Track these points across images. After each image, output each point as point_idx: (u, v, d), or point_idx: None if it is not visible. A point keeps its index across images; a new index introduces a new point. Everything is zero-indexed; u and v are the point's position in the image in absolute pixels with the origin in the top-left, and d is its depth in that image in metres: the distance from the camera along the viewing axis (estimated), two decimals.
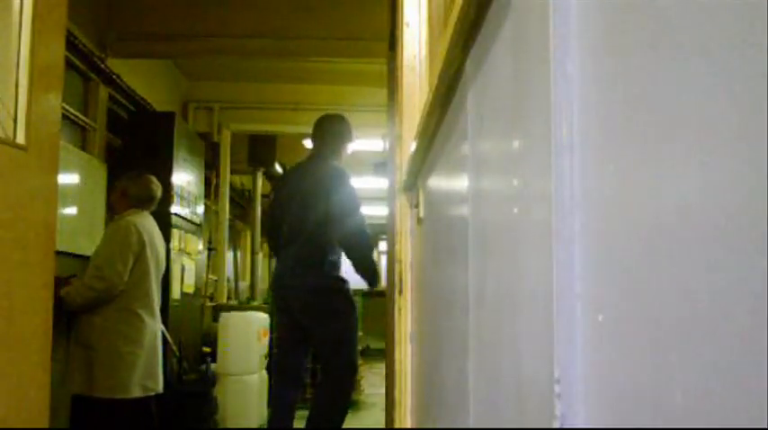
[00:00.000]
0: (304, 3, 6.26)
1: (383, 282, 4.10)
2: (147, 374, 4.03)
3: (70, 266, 4.51)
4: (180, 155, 6.23)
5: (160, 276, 4.27)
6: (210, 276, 8.48)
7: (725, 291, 0.39)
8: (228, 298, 9.16)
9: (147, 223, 4.14)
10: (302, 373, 4.28)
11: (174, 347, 5.15)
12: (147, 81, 6.91)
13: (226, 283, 8.95)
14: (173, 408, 5.06)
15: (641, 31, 0.52)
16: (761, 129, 0.36)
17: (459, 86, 1.33)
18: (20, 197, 2.47)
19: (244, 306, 7.86)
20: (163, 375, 4.22)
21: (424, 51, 2.40)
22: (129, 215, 4.06)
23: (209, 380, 5.57)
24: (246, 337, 6.09)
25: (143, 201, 4.14)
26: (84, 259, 4.44)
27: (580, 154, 0.63)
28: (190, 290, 6.37)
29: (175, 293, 5.93)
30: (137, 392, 3.97)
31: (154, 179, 4.28)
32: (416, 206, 2.22)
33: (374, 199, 10.07)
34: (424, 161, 1.99)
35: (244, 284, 12.18)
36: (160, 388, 4.18)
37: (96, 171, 5.40)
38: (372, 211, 8.37)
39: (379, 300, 4.50)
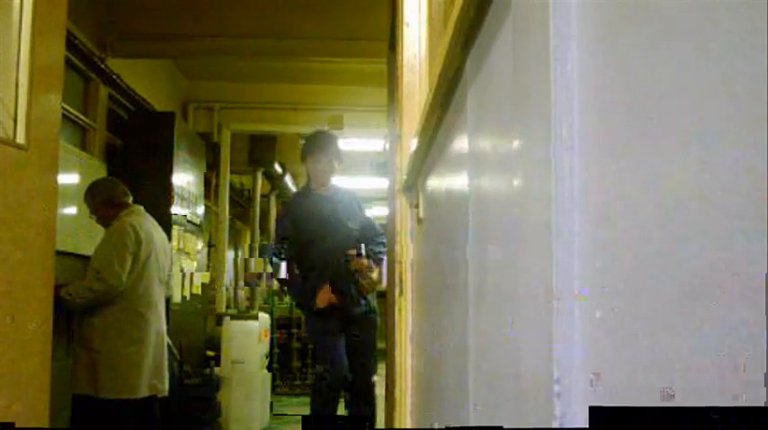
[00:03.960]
0: (304, 3, 6.25)
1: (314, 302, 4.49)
2: (154, 373, 4.03)
3: (70, 266, 4.50)
4: (180, 155, 6.23)
5: (164, 274, 4.26)
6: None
7: (725, 291, 0.39)
8: (228, 307, 8.91)
9: (144, 222, 4.13)
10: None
11: (175, 351, 5.13)
12: (147, 81, 6.90)
13: (224, 292, 8.64)
14: (176, 412, 5.04)
15: (641, 31, 0.52)
16: (761, 129, 0.36)
17: (459, 86, 1.33)
18: (20, 197, 2.47)
19: (243, 315, 7.61)
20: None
21: (424, 51, 2.40)
22: (125, 216, 4.06)
23: (213, 384, 5.56)
24: (249, 339, 6.12)
25: (118, 198, 4.12)
26: (84, 259, 4.44)
27: (580, 154, 0.63)
28: (197, 291, 6.37)
29: (176, 297, 5.92)
30: (144, 392, 3.96)
31: (106, 177, 4.60)
32: (416, 206, 2.22)
33: (374, 199, 10.07)
34: (424, 161, 1.99)
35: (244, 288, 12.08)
36: (166, 389, 4.17)
37: (96, 171, 5.39)
38: (372, 211, 8.36)
39: (379, 300, 4.57)
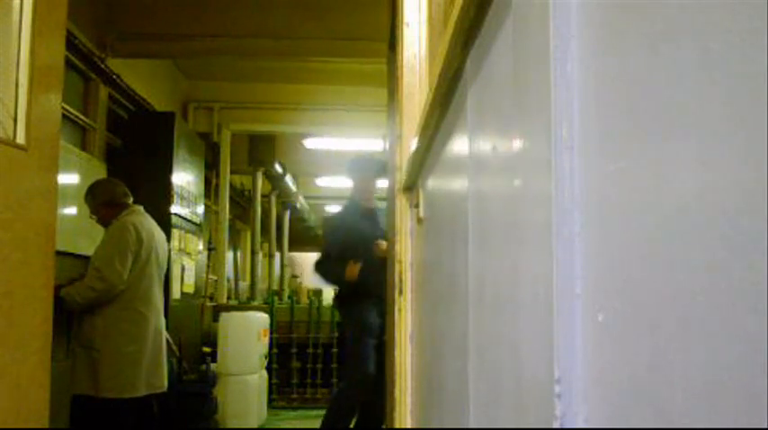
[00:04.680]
0: (304, 3, 6.25)
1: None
2: (152, 372, 4.03)
3: (70, 266, 4.50)
4: (180, 155, 6.23)
5: (162, 274, 4.27)
6: (210, 276, 8.47)
7: (725, 291, 0.39)
8: (228, 298, 9.15)
9: (145, 222, 4.14)
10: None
11: (175, 347, 5.15)
12: (147, 81, 6.90)
13: (226, 283, 8.93)
14: (173, 408, 5.06)
15: (641, 31, 0.52)
16: (760, 129, 0.36)
17: (459, 86, 1.33)
18: (20, 197, 2.47)
19: (244, 306, 7.86)
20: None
21: (424, 51, 2.40)
22: (126, 215, 4.06)
23: (210, 380, 5.57)
24: (246, 337, 6.10)
25: (119, 199, 4.13)
26: (84, 259, 4.44)
27: (580, 154, 0.63)
28: (190, 290, 6.37)
29: (175, 293, 5.93)
30: (143, 391, 3.97)
31: (106, 178, 4.66)
32: (416, 206, 2.22)
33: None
34: (424, 161, 1.99)
35: (244, 284, 12.18)
36: (165, 386, 4.18)
37: (96, 171, 5.39)
38: None
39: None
